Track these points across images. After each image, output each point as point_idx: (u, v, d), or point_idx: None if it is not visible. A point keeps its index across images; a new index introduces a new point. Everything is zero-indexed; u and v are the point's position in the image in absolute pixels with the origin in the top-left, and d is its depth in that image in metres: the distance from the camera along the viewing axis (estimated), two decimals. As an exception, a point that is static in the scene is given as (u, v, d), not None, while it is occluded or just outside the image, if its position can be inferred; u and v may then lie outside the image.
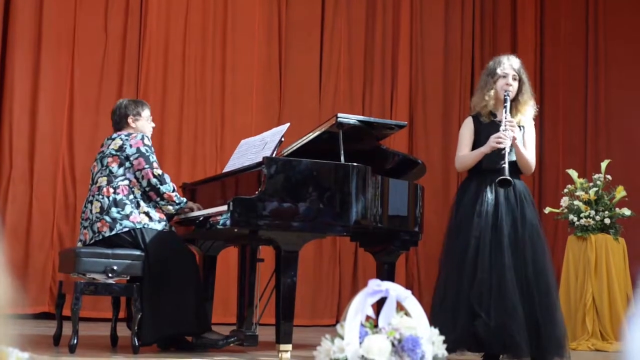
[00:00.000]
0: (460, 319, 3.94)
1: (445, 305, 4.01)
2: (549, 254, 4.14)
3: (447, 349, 4.06)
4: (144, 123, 4.65)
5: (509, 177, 3.90)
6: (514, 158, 4.15)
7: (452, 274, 4.08)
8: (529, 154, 4.17)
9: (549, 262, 4.08)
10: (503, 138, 4.02)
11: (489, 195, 4.09)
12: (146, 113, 4.67)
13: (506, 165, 3.94)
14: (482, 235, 4.02)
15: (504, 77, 4.18)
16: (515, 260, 3.98)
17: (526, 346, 3.88)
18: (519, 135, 4.17)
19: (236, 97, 7.35)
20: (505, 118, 4.07)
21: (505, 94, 4.14)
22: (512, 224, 4.04)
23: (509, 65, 4.21)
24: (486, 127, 4.20)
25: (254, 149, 4.61)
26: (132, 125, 4.60)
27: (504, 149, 4.00)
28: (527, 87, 4.23)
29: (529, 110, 4.24)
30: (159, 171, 4.44)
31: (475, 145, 4.22)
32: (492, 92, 4.21)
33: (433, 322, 4.09)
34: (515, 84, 4.18)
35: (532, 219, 4.09)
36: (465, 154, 4.24)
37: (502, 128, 4.06)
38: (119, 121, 4.63)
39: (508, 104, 4.12)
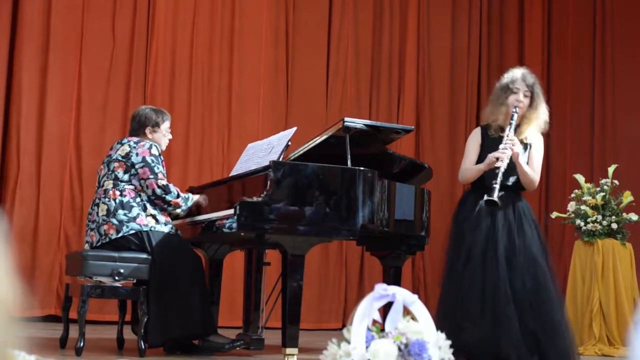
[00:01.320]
0: (449, 331, 3.92)
1: (440, 318, 4.00)
2: (550, 267, 4.10)
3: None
4: (160, 136, 4.62)
5: (496, 199, 3.84)
6: (516, 175, 4.13)
7: (447, 286, 4.07)
8: (531, 171, 4.13)
9: (549, 276, 4.02)
10: (500, 157, 3.99)
11: (486, 209, 4.02)
12: (165, 125, 4.65)
13: (497, 186, 3.89)
14: (476, 247, 4.00)
15: (515, 92, 4.15)
16: (511, 273, 3.95)
17: (519, 358, 3.86)
18: (525, 152, 4.14)
19: (243, 100, 7.36)
20: (507, 136, 4.03)
21: (514, 110, 4.10)
22: (509, 239, 3.99)
23: (522, 81, 4.18)
24: (493, 142, 4.15)
25: (261, 152, 4.61)
26: (149, 135, 4.59)
27: (498, 168, 3.95)
28: (539, 102, 4.19)
29: (539, 125, 4.20)
30: (164, 182, 4.43)
31: (480, 158, 4.18)
32: (502, 107, 4.18)
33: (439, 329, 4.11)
34: (527, 101, 4.15)
35: (531, 234, 4.04)
36: (467, 167, 4.20)
37: (501, 146, 4.02)
38: (137, 129, 4.61)
39: (514, 122, 4.08)
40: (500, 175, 3.91)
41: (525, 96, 4.14)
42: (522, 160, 4.07)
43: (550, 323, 3.93)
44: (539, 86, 4.23)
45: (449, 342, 2.17)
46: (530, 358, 3.88)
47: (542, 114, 4.18)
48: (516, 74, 4.24)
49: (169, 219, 4.49)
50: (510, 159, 4.01)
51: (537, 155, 4.17)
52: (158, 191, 4.40)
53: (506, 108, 4.15)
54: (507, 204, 4.03)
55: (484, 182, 4.08)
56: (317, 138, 4.53)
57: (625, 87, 8.01)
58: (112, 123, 6.87)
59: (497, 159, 3.96)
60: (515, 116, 4.09)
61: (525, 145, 4.15)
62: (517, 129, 4.14)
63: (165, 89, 7.09)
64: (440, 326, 3.93)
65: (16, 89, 6.62)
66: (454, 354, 3.90)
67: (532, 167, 4.12)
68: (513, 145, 4.00)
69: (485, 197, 3.87)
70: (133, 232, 4.32)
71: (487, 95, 8.29)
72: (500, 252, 3.95)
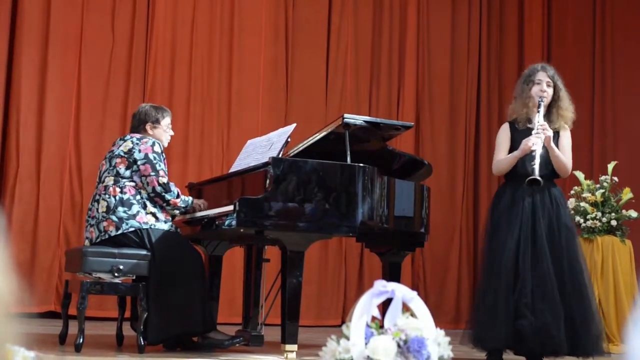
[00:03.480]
0: (500, 319, 4.01)
1: (485, 305, 4.09)
2: (583, 256, 4.24)
3: (486, 348, 4.15)
4: (161, 131, 4.62)
5: (538, 177, 3.99)
6: (549, 162, 4.23)
7: (491, 275, 4.17)
8: (564, 157, 4.24)
9: (584, 263, 4.21)
10: (534, 140, 4.09)
11: (527, 199, 4.18)
12: (166, 121, 4.64)
13: (536, 166, 4.02)
14: (522, 237, 4.13)
15: (538, 83, 4.30)
16: (553, 261, 4.06)
17: (565, 345, 3.96)
18: (554, 139, 4.25)
19: (242, 97, 7.36)
20: (538, 122, 4.18)
21: (540, 99, 4.26)
22: (549, 226, 4.15)
23: (543, 72, 4.34)
24: (522, 134, 4.29)
25: (261, 149, 4.61)
26: (150, 132, 4.58)
27: (534, 150, 4.08)
28: (565, 93, 4.34)
29: (569, 116, 4.33)
30: (165, 180, 4.42)
31: (511, 151, 4.29)
32: (528, 100, 4.32)
33: (473, 322, 4.20)
34: (550, 90, 4.32)
35: (567, 222, 4.22)
36: (501, 158, 4.32)
37: (534, 131, 4.17)
38: (138, 126, 4.60)
39: (542, 109, 4.24)
40: (537, 156, 4.05)
41: (548, 86, 4.29)
42: (553, 145, 4.18)
43: (587, 308, 4.06)
44: (560, 77, 4.36)
45: (448, 339, 2.17)
46: (567, 342, 4.00)
47: (567, 103, 4.32)
48: (536, 67, 4.41)
49: (169, 216, 4.48)
50: (543, 147, 4.13)
51: (567, 143, 4.33)
52: (158, 189, 4.40)
53: (531, 100, 4.28)
54: (543, 191, 4.17)
55: (517, 173, 4.19)
56: (317, 134, 4.53)
57: (625, 84, 8.01)
58: (112, 120, 6.87)
59: (532, 142, 4.06)
60: (542, 105, 4.24)
61: (555, 135, 4.27)
62: (547, 118, 4.29)
63: (164, 86, 7.09)
64: (486, 316, 4.07)
65: (16, 86, 6.62)
66: (504, 341, 4.00)
67: (564, 154, 4.23)
68: (545, 129, 4.12)
69: (529, 178, 4.00)
70: (132, 229, 4.32)
71: (487, 91, 8.34)
72: (543, 240, 4.10)
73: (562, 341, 3.98)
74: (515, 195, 4.20)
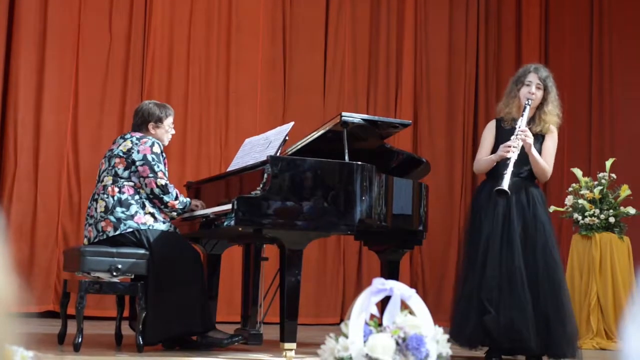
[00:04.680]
0: (472, 316, 4.02)
1: (460, 304, 4.10)
2: (559, 254, 4.22)
3: (463, 346, 4.16)
4: (163, 131, 4.59)
5: (506, 189, 3.97)
6: (529, 165, 4.24)
7: (465, 273, 4.22)
8: (543, 162, 4.21)
9: (559, 262, 4.18)
10: (511, 147, 4.08)
11: (500, 200, 4.15)
12: (168, 121, 4.60)
13: (507, 175, 4.00)
14: (493, 234, 4.11)
15: (528, 85, 4.27)
16: (525, 259, 4.05)
17: (535, 343, 3.95)
18: (537, 143, 4.23)
19: (240, 96, 7.36)
20: (519, 127, 4.15)
21: (527, 102, 4.24)
22: (524, 223, 4.13)
23: (535, 74, 4.29)
24: (507, 132, 4.29)
25: (258, 147, 4.61)
26: (152, 131, 4.55)
27: (509, 158, 4.06)
28: (553, 97, 4.30)
29: (553, 120, 4.30)
30: (163, 181, 4.40)
31: (495, 150, 4.29)
32: (515, 100, 4.31)
33: (450, 319, 4.23)
34: (540, 93, 4.27)
35: (544, 220, 4.18)
36: (481, 158, 4.32)
37: (512, 137, 4.15)
38: (140, 124, 4.57)
39: (526, 112, 4.22)
40: (511, 165, 4.04)
41: (537, 88, 4.25)
42: (534, 152, 4.16)
43: (562, 306, 4.04)
44: (552, 80, 4.32)
45: (447, 336, 2.17)
46: (540, 341, 3.98)
47: (552, 107, 4.28)
48: (529, 68, 4.38)
49: (167, 216, 4.48)
50: (523, 149, 4.11)
51: (550, 148, 4.28)
52: (156, 190, 4.38)
53: (518, 101, 4.26)
54: (520, 190, 4.17)
55: (497, 171, 4.18)
56: (315, 133, 4.53)
57: (622, 81, 8.01)
58: (109, 119, 6.87)
59: (509, 149, 4.06)
60: (528, 108, 4.21)
61: (540, 137, 4.24)
62: (532, 121, 4.25)
63: (162, 85, 7.09)
64: (459, 312, 4.09)
65: (13, 85, 6.61)
66: (478, 338, 4.01)
67: (545, 159, 4.23)
68: (525, 136, 4.10)
69: (496, 187, 3.99)
70: (130, 230, 4.31)
71: (485, 89, 8.34)
72: (516, 237, 4.09)
73: (529, 339, 3.96)
74: (493, 193, 4.18)
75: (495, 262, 4.07)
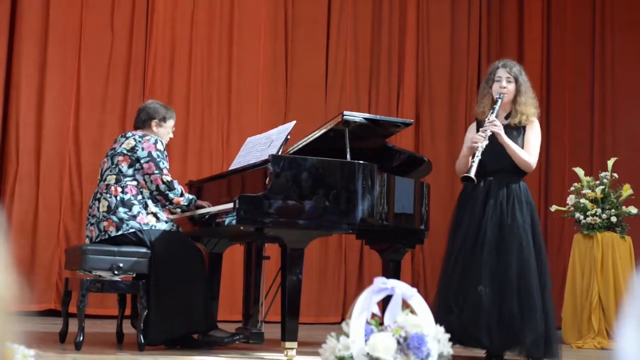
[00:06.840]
0: (440, 315, 4.03)
1: (436, 304, 4.13)
2: (544, 253, 4.16)
3: None
4: (165, 132, 4.60)
5: (471, 176, 4.02)
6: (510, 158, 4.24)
7: (443, 271, 4.25)
8: (523, 152, 4.20)
9: (534, 264, 4.09)
10: (479, 138, 4.14)
11: (480, 197, 4.20)
12: (170, 123, 4.62)
13: (474, 165, 4.06)
14: (467, 234, 4.13)
15: (498, 81, 4.29)
16: (499, 257, 4.04)
17: (490, 341, 3.96)
18: (519, 136, 4.24)
19: (242, 94, 7.36)
20: (488, 119, 4.19)
21: (499, 96, 4.26)
22: (498, 223, 4.11)
23: (503, 69, 4.31)
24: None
25: (260, 146, 4.61)
26: (154, 129, 4.55)
27: (477, 148, 4.11)
28: (526, 87, 4.30)
29: (529, 111, 4.28)
30: (169, 178, 4.41)
31: None
32: (487, 97, 4.34)
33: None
34: (511, 86, 4.28)
35: (523, 221, 4.12)
36: (459, 157, 4.40)
37: (481, 128, 4.20)
38: (144, 120, 4.57)
39: (497, 105, 4.25)
40: (478, 153, 4.09)
41: (508, 82, 4.27)
42: (508, 140, 4.16)
43: (527, 308, 4.00)
44: (524, 72, 4.34)
45: (448, 336, 2.17)
46: (506, 342, 3.98)
47: (526, 97, 4.28)
48: (496, 64, 4.39)
49: (170, 215, 4.48)
50: (499, 143, 4.12)
51: (532, 138, 4.27)
52: (162, 187, 4.39)
53: (491, 97, 4.29)
54: (501, 186, 4.17)
55: (482, 168, 4.18)
56: (317, 132, 4.53)
57: (624, 80, 8.00)
58: (111, 118, 6.87)
59: (477, 139, 4.11)
60: (500, 102, 4.25)
61: (521, 129, 4.25)
62: (510, 115, 4.26)
63: (164, 83, 7.09)
64: (435, 311, 4.09)
65: (15, 84, 6.61)
66: (453, 338, 4.01)
67: (528, 150, 4.25)
68: (494, 125, 4.12)
69: (462, 175, 4.08)
70: (133, 230, 4.30)
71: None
72: (489, 236, 4.10)
73: (493, 337, 3.96)
74: (473, 193, 4.21)
75: (465, 262, 4.11)
